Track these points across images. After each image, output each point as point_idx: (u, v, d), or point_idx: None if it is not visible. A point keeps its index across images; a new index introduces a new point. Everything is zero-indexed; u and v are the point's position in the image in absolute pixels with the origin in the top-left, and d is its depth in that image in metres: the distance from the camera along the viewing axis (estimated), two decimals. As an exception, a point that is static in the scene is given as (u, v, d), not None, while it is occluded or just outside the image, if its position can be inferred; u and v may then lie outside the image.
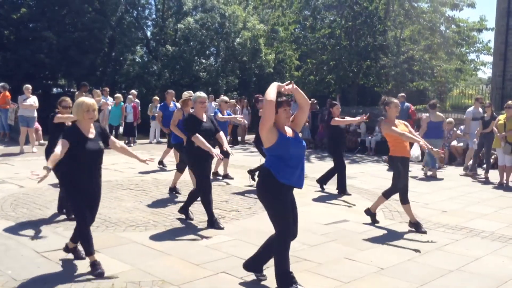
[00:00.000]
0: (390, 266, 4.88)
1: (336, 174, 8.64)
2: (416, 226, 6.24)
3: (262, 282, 4.40)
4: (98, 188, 4.67)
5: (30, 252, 5.03)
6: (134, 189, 8.42)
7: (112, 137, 4.93)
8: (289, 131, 4.29)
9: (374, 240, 5.81)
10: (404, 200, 6.31)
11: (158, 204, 7.35)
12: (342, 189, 8.52)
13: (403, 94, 13.59)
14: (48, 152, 6.13)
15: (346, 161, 9.25)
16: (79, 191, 4.50)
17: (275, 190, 4.15)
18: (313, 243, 5.57)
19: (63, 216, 6.33)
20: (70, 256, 4.87)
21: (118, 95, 15.75)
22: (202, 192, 6.24)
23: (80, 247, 4.79)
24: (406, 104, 13.08)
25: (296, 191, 4.29)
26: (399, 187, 6.30)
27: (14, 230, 5.79)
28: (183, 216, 6.51)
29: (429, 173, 10.78)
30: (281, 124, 4.26)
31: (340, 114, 8.72)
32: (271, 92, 4.02)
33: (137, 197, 7.76)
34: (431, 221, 6.70)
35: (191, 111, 6.77)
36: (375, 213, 6.61)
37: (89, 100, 4.62)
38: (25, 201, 7.28)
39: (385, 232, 6.18)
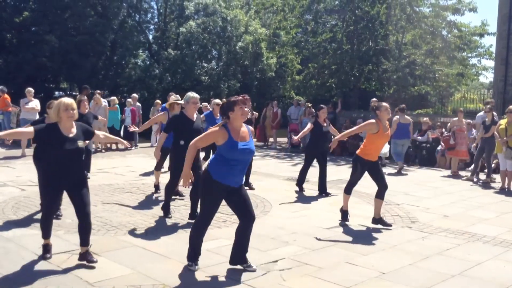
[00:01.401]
0: (391, 271, 4.87)
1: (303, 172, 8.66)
2: (379, 221, 6.56)
3: (262, 284, 4.39)
4: (79, 185, 4.75)
5: (30, 255, 5.03)
6: (135, 192, 8.41)
7: (96, 131, 5.15)
8: (243, 133, 4.39)
9: (375, 244, 5.80)
10: (380, 195, 6.61)
11: (159, 207, 7.33)
12: (300, 186, 8.56)
13: (374, 99, 13.59)
14: (36, 157, 6.24)
15: (347, 165, 9.19)
16: (55, 188, 4.67)
17: (209, 186, 4.39)
18: (314, 247, 5.56)
19: (64, 219, 6.32)
20: (71, 260, 4.87)
21: (113, 97, 15.86)
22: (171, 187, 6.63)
23: (91, 251, 4.88)
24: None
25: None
26: (353, 181, 6.69)
27: (15, 233, 5.79)
28: (184, 220, 6.51)
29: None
30: (237, 124, 4.35)
31: (336, 117, 8.68)
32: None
33: (138, 201, 7.76)
34: (433, 225, 6.68)
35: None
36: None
37: (68, 99, 4.72)
38: (26, 204, 7.28)
39: (386, 236, 6.16)
